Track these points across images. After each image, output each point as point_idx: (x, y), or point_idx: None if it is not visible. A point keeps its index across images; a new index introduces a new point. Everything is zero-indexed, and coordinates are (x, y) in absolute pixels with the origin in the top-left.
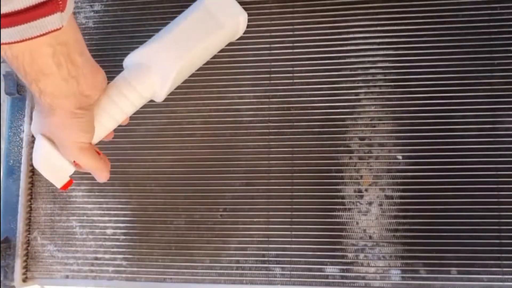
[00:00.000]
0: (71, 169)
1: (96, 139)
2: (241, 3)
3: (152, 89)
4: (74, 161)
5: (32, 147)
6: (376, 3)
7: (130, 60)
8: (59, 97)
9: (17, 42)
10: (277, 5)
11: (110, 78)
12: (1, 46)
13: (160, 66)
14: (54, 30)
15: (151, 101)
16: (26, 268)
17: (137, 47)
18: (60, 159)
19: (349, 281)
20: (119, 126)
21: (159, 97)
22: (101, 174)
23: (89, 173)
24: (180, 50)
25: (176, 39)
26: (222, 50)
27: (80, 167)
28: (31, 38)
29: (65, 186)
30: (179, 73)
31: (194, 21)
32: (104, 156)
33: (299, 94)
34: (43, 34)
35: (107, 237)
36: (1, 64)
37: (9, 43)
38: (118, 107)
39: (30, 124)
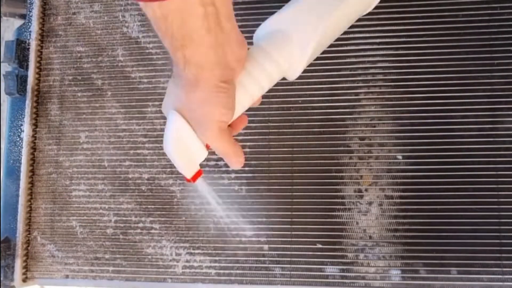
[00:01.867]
0: (204, 154)
1: (232, 119)
2: (241, 3)
3: (290, 58)
4: (206, 145)
5: (32, 147)
6: None
7: (263, 29)
8: (205, 68)
9: None
10: (277, 5)
11: (110, 77)
12: (151, 4)
13: (299, 31)
14: None
15: (152, 100)
16: (26, 268)
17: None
18: (196, 141)
19: (349, 281)
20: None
21: (295, 70)
22: (237, 159)
23: (92, 173)
24: (319, 15)
25: (312, 4)
26: None
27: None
28: None
29: (195, 177)
30: (319, 40)
31: None
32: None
33: (299, 94)
34: None
35: (107, 237)
36: (1, 64)
37: (160, 0)
38: (255, 80)
39: (30, 124)
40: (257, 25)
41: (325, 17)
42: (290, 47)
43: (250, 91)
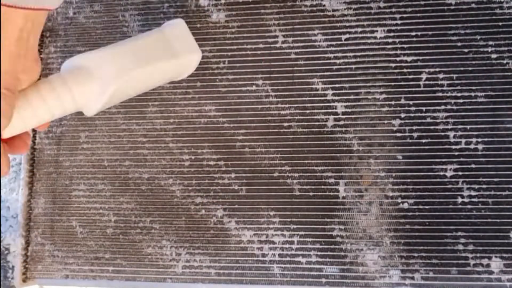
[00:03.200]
0: None
1: (8, 131)
2: (241, 3)
3: (87, 96)
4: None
5: (32, 147)
6: (376, 3)
7: (71, 63)
8: None
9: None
10: (277, 5)
11: None
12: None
13: (103, 75)
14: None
15: (152, 100)
16: (26, 268)
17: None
18: None
19: (349, 281)
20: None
21: (91, 108)
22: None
23: (92, 173)
24: (128, 65)
25: (126, 54)
26: (222, 50)
27: None
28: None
29: None
30: (120, 88)
31: (150, 43)
32: (7, 152)
33: (299, 94)
34: (39, 9)
35: (107, 237)
36: None
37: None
38: (45, 103)
39: None
40: (257, 25)
41: (130, 70)
42: (90, 86)
43: (38, 113)
